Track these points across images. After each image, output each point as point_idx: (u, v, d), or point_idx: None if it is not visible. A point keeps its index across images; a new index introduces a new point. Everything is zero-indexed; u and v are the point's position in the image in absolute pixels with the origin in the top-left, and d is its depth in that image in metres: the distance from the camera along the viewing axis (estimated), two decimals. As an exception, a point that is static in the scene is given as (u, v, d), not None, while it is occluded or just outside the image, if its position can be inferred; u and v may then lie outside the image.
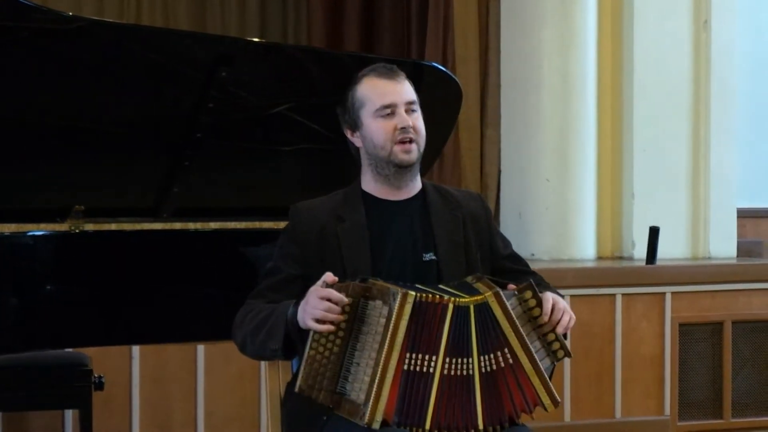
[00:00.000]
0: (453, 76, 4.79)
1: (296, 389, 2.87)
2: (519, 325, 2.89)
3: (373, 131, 3.11)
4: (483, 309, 2.88)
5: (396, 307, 2.79)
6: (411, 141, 3.10)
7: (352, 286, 2.85)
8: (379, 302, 2.83)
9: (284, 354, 3.00)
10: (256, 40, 5.14)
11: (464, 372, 2.85)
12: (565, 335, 2.99)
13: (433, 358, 2.84)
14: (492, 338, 2.88)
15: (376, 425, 2.79)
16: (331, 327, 2.82)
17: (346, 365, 2.84)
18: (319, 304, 2.82)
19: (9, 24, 3.81)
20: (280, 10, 8.05)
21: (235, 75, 4.19)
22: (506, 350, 2.88)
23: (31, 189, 4.19)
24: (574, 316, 2.99)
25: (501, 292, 2.89)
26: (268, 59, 4.47)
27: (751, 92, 7.80)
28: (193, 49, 4.22)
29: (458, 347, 2.85)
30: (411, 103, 3.14)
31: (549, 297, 2.97)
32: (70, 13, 3.90)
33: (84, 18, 3.96)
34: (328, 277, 2.88)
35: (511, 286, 2.99)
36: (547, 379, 2.92)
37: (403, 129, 3.08)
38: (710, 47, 7.03)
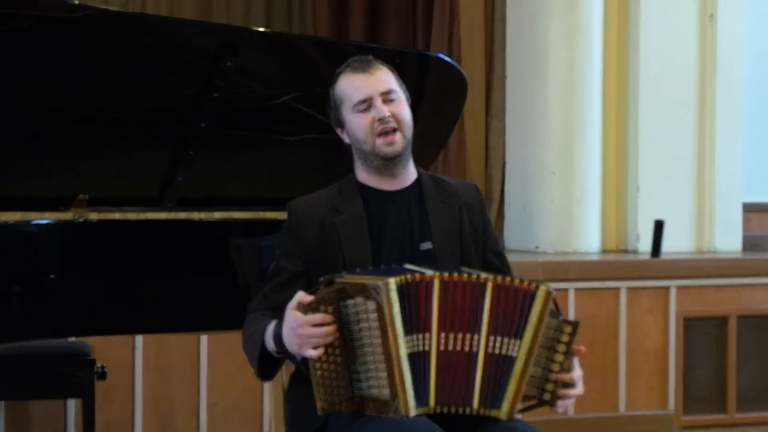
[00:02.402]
0: (458, 68, 4.77)
1: (319, 412, 2.85)
2: (541, 337, 2.83)
3: (355, 127, 3.10)
4: (524, 294, 2.82)
5: (383, 300, 2.76)
6: (394, 130, 3.07)
7: (325, 294, 2.81)
8: (360, 299, 2.79)
9: (262, 375, 3.05)
10: (261, 29, 5.13)
11: (467, 348, 2.82)
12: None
13: (427, 335, 2.80)
14: (510, 323, 2.82)
15: (412, 413, 2.77)
16: (320, 351, 2.80)
17: (353, 368, 2.82)
18: (307, 332, 2.79)
19: (14, 12, 3.80)
20: (286, 3, 8.04)
21: (240, 64, 4.18)
22: (516, 342, 2.84)
23: (36, 177, 4.18)
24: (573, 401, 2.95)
25: (553, 295, 2.84)
26: (273, 49, 4.46)
27: (757, 86, 7.78)
28: (197, 38, 4.21)
29: (460, 322, 2.82)
30: (387, 92, 3.10)
31: (579, 373, 2.93)
32: (76, 2, 3.89)
33: (90, 6, 3.94)
34: (303, 298, 2.83)
35: None
36: (521, 393, 2.84)
37: (381, 120, 3.05)
38: (716, 41, 7.02)
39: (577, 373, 2.92)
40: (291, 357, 2.91)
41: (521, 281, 2.85)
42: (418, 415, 2.79)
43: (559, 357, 2.87)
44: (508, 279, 2.85)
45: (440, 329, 2.81)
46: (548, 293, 2.83)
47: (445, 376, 2.82)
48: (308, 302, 2.81)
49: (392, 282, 2.77)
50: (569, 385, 2.89)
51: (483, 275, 2.85)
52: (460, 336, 2.82)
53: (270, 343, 2.94)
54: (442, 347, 2.81)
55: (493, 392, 2.83)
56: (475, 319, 2.83)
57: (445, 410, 2.83)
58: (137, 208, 4.28)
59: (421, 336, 2.80)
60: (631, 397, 6.13)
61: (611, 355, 6.08)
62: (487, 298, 2.82)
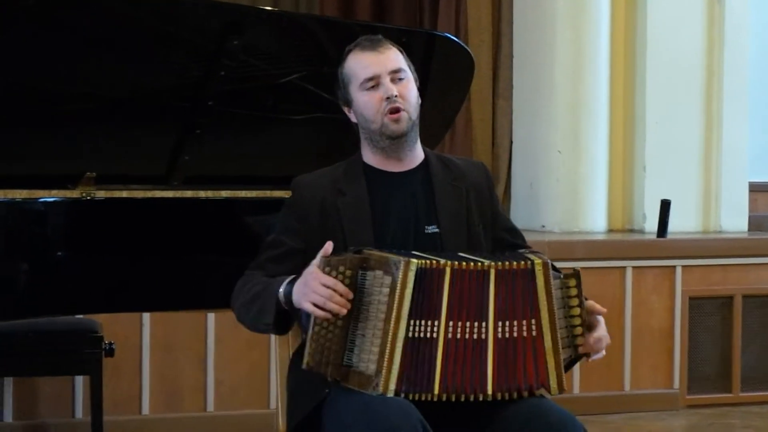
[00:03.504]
0: (465, 47, 4.78)
1: (304, 366, 2.86)
2: (555, 303, 2.88)
3: (362, 105, 3.10)
4: (523, 274, 2.86)
5: (400, 276, 2.79)
6: (399, 110, 3.06)
7: (349, 258, 2.84)
8: (379, 272, 2.82)
9: (276, 329, 3.00)
10: (267, 8, 5.12)
11: (475, 336, 2.84)
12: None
13: (435, 323, 2.82)
14: (521, 305, 2.86)
15: (390, 394, 2.80)
16: (328, 315, 2.81)
17: (351, 338, 2.84)
18: (320, 290, 2.80)
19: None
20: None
21: (246, 43, 4.18)
22: (533, 321, 2.87)
23: (43, 156, 4.20)
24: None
25: (550, 264, 2.88)
26: (280, 28, 4.47)
27: (764, 66, 7.77)
28: (204, 17, 4.21)
29: (467, 310, 2.83)
30: (396, 71, 3.10)
31: (603, 326, 3.02)
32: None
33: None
34: (326, 249, 2.86)
35: None
36: (562, 363, 2.90)
37: (389, 99, 3.05)
38: (723, 21, 6.99)
39: (600, 328, 3.01)
40: (295, 310, 2.92)
41: (518, 262, 2.87)
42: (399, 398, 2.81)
43: (576, 311, 2.94)
44: (507, 263, 2.87)
45: (448, 318, 2.83)
46: (544, 264, 2.87)
47: (452, 365, 2.83)
48: (330, 257, 2.83)
49: (414, 262, 2.80)
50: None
51: (486, 262, 2.86)
52: (468, 324, 2.84)
53: (280, 292, 2.94)
54: (449, 335, 2.83)
55: (509, 375, 2.87)
56: (481, 306, 2.85)
57: (453, 398, 2.84)
58: (144, 186, 4.29)
59: (429, 323, 2.82)
60: (636, 375, 6.14)
61: (617, 334, 6.08)
62: (491, 285, 2.85)
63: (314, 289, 2.81)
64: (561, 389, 2.90)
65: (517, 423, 2.87)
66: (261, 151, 4.57)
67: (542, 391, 2.94)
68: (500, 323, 2.85)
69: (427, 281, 2.82)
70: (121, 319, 5.20)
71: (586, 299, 3.00)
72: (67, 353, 4.69)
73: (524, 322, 2.87)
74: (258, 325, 3.03)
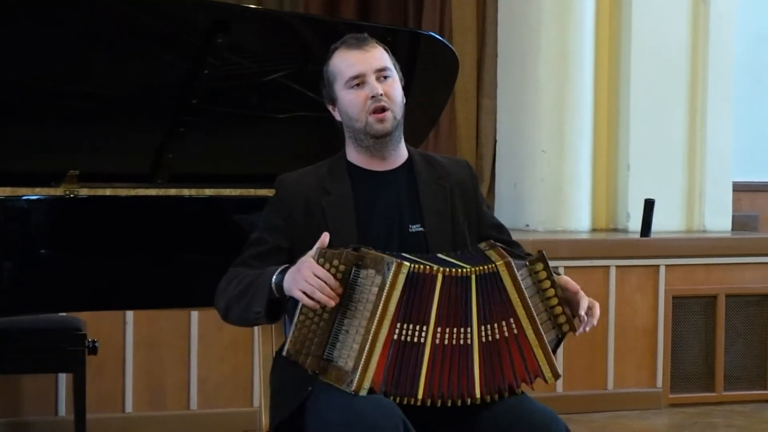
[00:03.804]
0: (450, 46, 4.79)
1: (284, 353, 2.87)
2: (527, 296, 2.89)
3: (347, 104, 3.08)
4: (490, 278, 2.86)
5: (390, 277, 2.79)
6: (384, 109, 3.05)
7: (345, 253, 2.85)
8: (371, 271, 2.83)
9: (267, 317, 2.98)
10: (252, 6, 5.12)
11: (461, 341, 2.84)
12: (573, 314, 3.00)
13: (424, 328, 2.82)
14: (497, 307, 2.86)
15: (363, 392, 2.80)
16: (316, 305, 2.81)
17: (335, 332, 2.85)
18: (311, 279, 2.80)
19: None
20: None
21: (231, 41, 4.18)
22: (511, 320, 2.87)
23: (26, 153, 4.19)
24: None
25: (512, 262, 2.88)
26: (265, 26, 4.47)
27: (749, 65, 7.80)
28: (189, 14, 4.22)
29: (454, 317, 2.84)
30: (382, 69, 3.09)
31: (587, 298, 3.00)
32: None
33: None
34: (323, 240, 2.86)
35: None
36: (550, 351, 2.91)
37: (374, 97, 3.05)
38: (708, 20, 7.01)
39: (583, 300, 3.00)
40: (285, 299, 2.91)
41: (483, 266, 2.88)
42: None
43: (550, 291, 2.95)
44: (481, 268, 2.87)
45: (437, 324, 2.83)
46: (507, 264, 2.87)
47: (438, 371, 2.83)
48: (326, 250, 2.83)
49: (406, 266, 2.80)
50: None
51: (467, 267, 2.87)
52: (455, 331, 2.84)
53: (273, 280, 2.92)
54: (437, 341, 2.83)
55: (497, 377, 2.87)
56: (465, 312, 2.85)
57: (438, 403, 2.84)
58: (128, 184, 4.29)
59: (418, 327, 2.82)
60: (619, 374, 6.15)
61: (600, 333, 6.09)
62: (473, 290, 2.86)
63: (306, 277, 2.81)
64: (556, 376, 2.92)
65: (500, 425, 2.87)
66: (245, 149, 4.57)
67: (523, 388, 2.94)
68: (482, 327, 2.86)
69: (419, 286, 2.82)
70: (104, 317, 5.19)
71: (558, 274, 3.00)
72: (50, 351, 4.68)
73: (503, 323, 2.87)
74: (248, 315, 3.00)
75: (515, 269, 2.88)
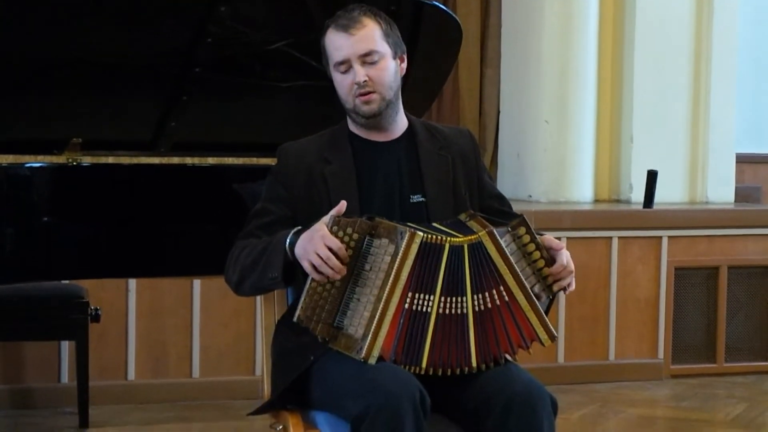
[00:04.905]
0: (453, 15, 4.77)
1: (294, 319, 2.87)
2: (513, 262, 2.90)
3: (337, 84, 3.08)
4: (477, 248, 2.87)
5: (403, 246, 2.80)
6: (369, 92, 3.04)
7: (359, 222, 2.85)
8: (385, 240, 2.84)
9: (284, 281, 2.97)
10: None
11: (458, 311, 2.86)
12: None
13: (430, 297, 2.84)
14: (487, 277, 2.88)
15: (372, 360, 2.81)
16: (323, 278, 2.82)
17: (346, 300, 2.85)
18: (321, 250, 2.80)
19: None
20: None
21: (233, 10, 4.17)
22: (501, 288, 2.88)
23: (30, 121, 4.19)
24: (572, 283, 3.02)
25: (494, 231, 2.89)
26: (267, -5, 4.45)
27: (753, 38, 7.79)
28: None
29: (453, 287, 2.86)
30: (366, 54, 3.05)
31: (564, 255, 2.98)
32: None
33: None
34: (340, 208, 2.86)
35: None
36: (543, 314, 2.93)
37: (358, 84, 3.03)
38: (714, -9, 7.00)
39: (562, 256, 2.98)
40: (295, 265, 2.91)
41: (471, 235, 2.89)
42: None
43: (536, 254, 2.95)
44: (471, 237, 2.88)
45: (441, 293, 2.85)
46: (489, 233, 2.88)
47: (439, 340, 2.84)
48: (340, 218, 2.84)
49: (420, 235, 2.81)
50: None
51: (460, 237, 2.88)
52: (454, 300, 2.86)
53: (287, 242, 2.92)
54: (440, 311, 2.85)
55: (491, 345, 2.89)
56: (462, 282, 2.87)
57: (439, 372, 2.85)
58: (131, 152, 4.29)
59: (426, 296, 2.84)
60: (621, 345, 6.17)
61: (602, 304, 6.11)
62: (466, 260, 2.87)
63: (316, 248, 2.81)
64: (552, 337, 2.93)
65: (482, 395, 2.87)
66: (248, 118, 4.56)
67: (520, 354, 2.95)
68: (475, 297, 2.87)
69: (430, 256, 2.83)
70: (107, 285, 5.20)
71: (541, 235, 3.01)
72: (53, 318, 4.70)
73: (494, 292, 2.88)
74: (263, 281, 2.99)
75: (498, 237, 2.89)
